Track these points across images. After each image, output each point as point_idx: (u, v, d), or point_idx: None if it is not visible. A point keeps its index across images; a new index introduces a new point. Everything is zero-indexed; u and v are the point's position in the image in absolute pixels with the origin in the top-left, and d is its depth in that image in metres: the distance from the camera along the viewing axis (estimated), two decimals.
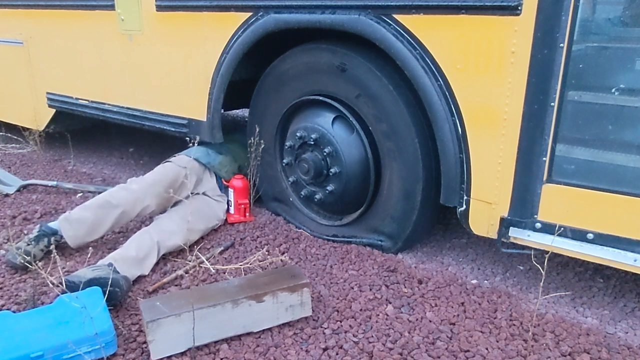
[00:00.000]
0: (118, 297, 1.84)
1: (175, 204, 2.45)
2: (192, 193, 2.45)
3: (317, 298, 1.92)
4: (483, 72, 1.77)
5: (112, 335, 1.62)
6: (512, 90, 1.72)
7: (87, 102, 3.22)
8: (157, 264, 2.18)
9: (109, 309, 1.73)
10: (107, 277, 1.79)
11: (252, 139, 2.55)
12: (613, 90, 1.65)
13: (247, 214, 2.62)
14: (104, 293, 1.75)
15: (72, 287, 1.80)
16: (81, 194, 2.99)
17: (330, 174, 2.28)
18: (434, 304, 1.89)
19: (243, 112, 5.00)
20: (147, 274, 2.09)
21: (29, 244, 2.16)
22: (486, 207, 1.89)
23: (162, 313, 1.60)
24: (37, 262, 2.10)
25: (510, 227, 1.86)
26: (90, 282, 1.81)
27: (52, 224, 2.25)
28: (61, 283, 1.81)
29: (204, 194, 2.57)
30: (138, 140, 4.15)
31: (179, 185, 2.43)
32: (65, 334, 1.56)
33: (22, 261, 2.02)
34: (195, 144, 2.25)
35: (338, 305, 1.88)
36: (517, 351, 1.65)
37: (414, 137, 2.04)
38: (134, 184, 2.37)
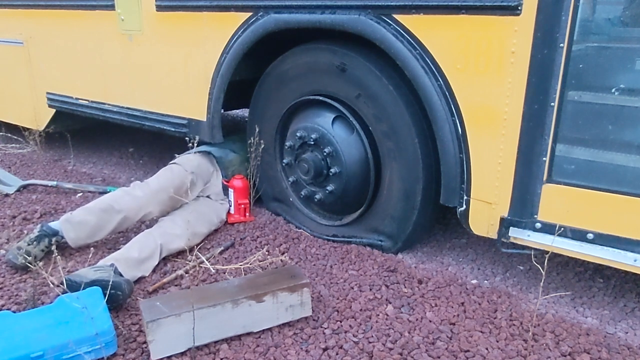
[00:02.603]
0: (120, 300, 1.84)
1: (180, 206, 2.45)
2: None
3: (317, 298, 1.92)
4: (483, 72, 1.77)
5: (112, 335, 1.62)
6: (512, 90, 1.72)
7: (87, 102, 3.22)
8: (157, 264, 2.18)
9: (109, 309, 1.73)
10: (109, 279, 1.79)
11: (252, 139, 2.55)
12: (613, 90, 1.65)
13: (247, 214, 2.62)
14: (106, 296, 1.75)
15: (73, 286, 1.80)
16: (81, 194, 2.99)
17: (330, 174, 2.28)
18: (434, 304, 1.89)
19: (243, 112, 5.00)
20: (147, 275, 2.09)
21: (29, 244, 2.16)
22: (486, 207, 1.89)
23: (162, 313, 1.60)
24: (38, 262, 2.10)
25: (510, 227, 1.86)
26: (92, 284, 1.81)
27: (53, 224, 2.24)
28: (62, 283, 1.81)
29: (207, 197, 2.57)
30: (138, 140, 4.15)
31: (182, 193, 2.40)
32: (66, 334, 1.56)
33: (23, 261, 2.02)
34: (195, 145, 2.26)
35: (338, 305, 1.88)
36: (517, 351, 1.65)
37: (414, 137, 2.04)
38: (139, 189, 2.35)
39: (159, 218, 2.37)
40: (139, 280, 2.06)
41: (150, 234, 2.19)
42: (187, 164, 2.50)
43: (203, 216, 2.41)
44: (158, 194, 2.34)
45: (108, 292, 1.75)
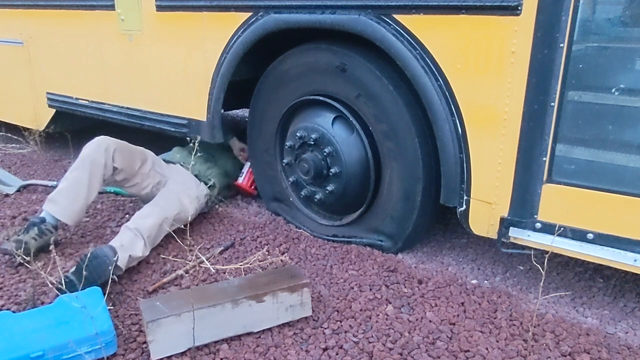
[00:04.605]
0: (107, 265, 1.88)
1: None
2: (156, 184, 2.52)
3: (317, 298, 1.92)
4: (483, 72, 1.77)
5: (112, 335, 1.62)
6: (512, 90, 1.72)
7: (87, 102, 3.22)
8: (157, 263, 2.18)
9: (109, 309, 1.73)
10: (92, 251, 1.91)
11: (251, 138, 2.55)
12: (613, 90, 1.65)
13: (252, 187, 2.84)
14: (96, 267, 1.83)
15: (69, 283, 1.82)
16: None
17: (330, 174, 2.27)
18: (434, 304, 1.89)
19: (243, 112, 5.00)
20: (139, 254, 2.10)
21: (18, 234, 2.21)
22: (486, 207, 1.89)
23: (162, 313, 1.60)
24: (31, 249, 2.14)
25: (510, 227, 1.86)
26: (80, 264, 1.87)
27: (40, 214, 2.30)
28: (61, 283, 1.82)
29: (171, 178, 2.59)
30: (138, 140, 4.14)
31: (139, 152, 2.51)
32: (65, 334, 1.57)
33: (14, 246, 2.09)
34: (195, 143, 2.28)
35: (338, 305, 1.88)
36: (517, 351, 1.65)
37: (414, 137, 2.04)
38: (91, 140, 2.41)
39: None
40: (138, 279, 2.07)
41: (125, 226, 2.21)
42: None
43: (167, 192, 2.44)
44: (112, 138, 2.41)
45: (101, 260, 1.85)
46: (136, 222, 2.21)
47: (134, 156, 2.46)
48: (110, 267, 1.86)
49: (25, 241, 2.15)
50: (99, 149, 2.33)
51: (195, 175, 2.65)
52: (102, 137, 2.39)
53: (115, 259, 1.95)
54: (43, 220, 2.25)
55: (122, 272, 2.03)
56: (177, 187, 2.50)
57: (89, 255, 1.90)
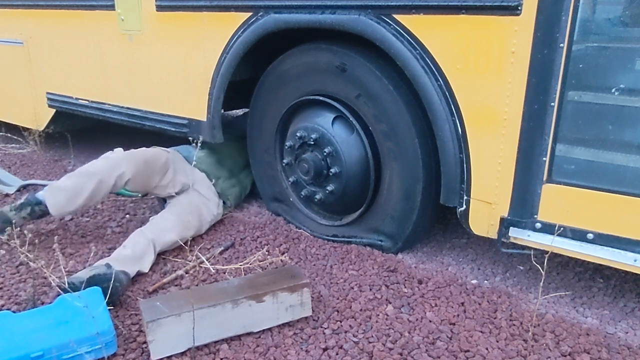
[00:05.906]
0: (118, 291, 1.86)
1: (169, 202, 2.47)
2: (177, 193, 2.46)
3: (317, 298, 1.92)
4: (483, 72, 1.77)
5: (112, 335, 1.62)
6: (512, 90, 1.72)
7: (87, 102, 3.22)
8: (157, 264, 2.18)
9: (109, 309, 1.73)
10: (106, 272, 1.85)
11: (251, 138, 2.55)
12: (613, 90, 1.65)
13: None
14: (104, 290, 1.77)
15: (73, 288, 1.80)
16: None
17: (330, 174, 2.27)
18: (434, 304, 1.89)
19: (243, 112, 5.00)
20: (146, 270, 2.10)
21: (11, 210, 2.24)
22: (486, 207, 1.89)
23: (162, 313, 1.60)
24: (17, 228, 2.18)
25: (510, 227, 1.86)
26: (89, 281, 1.83)
27: (39, 194, 2.31)
28: (64, 282, 1.82)
29: (195, 189, 2.56)
30: (138, 140, 4.15)
31: (160, 166, 2.42)
32: (65, 333, 1.57)
33: (3, 228, 2.16)
34: (198, 144, 2.30)
35: (338, 305, 1.88)
36: (517, 351, 1.65)
37: (414, 137, 2.04)
38: (113, 153, 2.39)
39: (152, 217, 2.36)
40: (138, 279, 2.07)
41: (141, 231, 2.20)
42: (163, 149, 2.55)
43: (193, 208, 2.42)
44: (132, 156, 2.36)
45: (110, 284, 1.78)
46: (155, 232, 2.19)
47: (152, 176, 2.39)
48: (120, 291, 1.89)
49: (14, 221, 2.21)
50: (113, 172, 2.27)
51: (218, 193, 2.63)
52: (122, 156, 2.32)
53: (125, 282, 1.94)
54: (39, 203, 2.27)
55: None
56: (200, 201, 2.48)
57: (100, 276, 1.85)
